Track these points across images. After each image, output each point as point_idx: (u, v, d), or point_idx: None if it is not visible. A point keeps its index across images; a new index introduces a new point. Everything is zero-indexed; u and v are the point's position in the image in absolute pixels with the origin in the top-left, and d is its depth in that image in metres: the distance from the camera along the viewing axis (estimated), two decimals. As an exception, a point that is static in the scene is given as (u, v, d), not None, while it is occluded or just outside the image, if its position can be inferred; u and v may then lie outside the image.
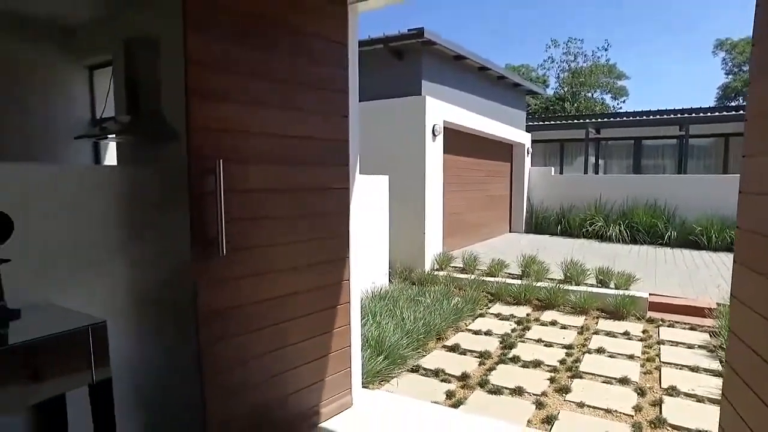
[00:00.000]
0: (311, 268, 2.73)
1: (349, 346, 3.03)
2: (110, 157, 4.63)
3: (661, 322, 5.26)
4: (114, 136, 3.59)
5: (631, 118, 15.57)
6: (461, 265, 7.49)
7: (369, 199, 6.11)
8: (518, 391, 3.59)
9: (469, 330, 5.02)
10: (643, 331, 4.96)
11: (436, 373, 3.91)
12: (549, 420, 3.18)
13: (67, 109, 4.49)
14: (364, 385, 3.38)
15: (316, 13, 2.66)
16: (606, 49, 30.36)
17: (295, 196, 2.61)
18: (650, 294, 5.79)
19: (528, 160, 12.59)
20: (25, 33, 4.26)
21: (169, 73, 3.56)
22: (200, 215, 2.17)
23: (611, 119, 16.37)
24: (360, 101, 3.12)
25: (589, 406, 3.36)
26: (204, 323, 2.21)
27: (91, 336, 1.59)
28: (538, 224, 12.20)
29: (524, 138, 12.24)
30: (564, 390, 3.61)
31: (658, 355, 4.30)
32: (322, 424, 2.83)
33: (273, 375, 2.57)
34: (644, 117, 15.26)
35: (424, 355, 4.27)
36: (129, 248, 2.21)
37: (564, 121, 16.19)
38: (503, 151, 11.65)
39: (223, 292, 2.29)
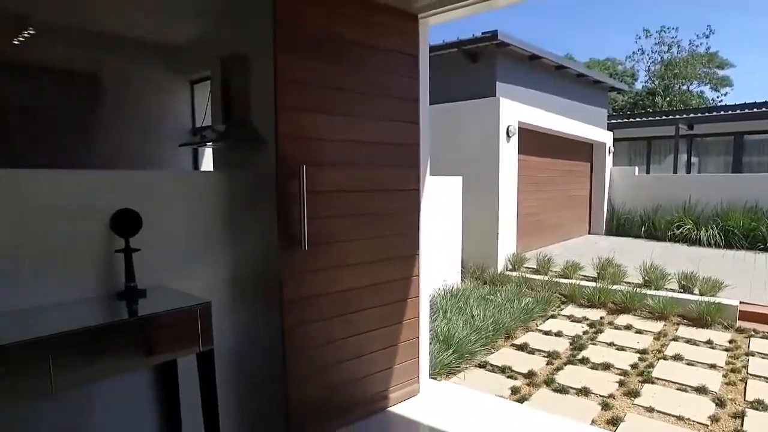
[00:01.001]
0: (382, 263, 2.97)
1: (418, 337, 3.24)
2: (206, 162, 5.18)
3: (753, 333, 4.94)
4: (211, 143, 4.04)
5: (730, 111, 14.33)
6: (534, 266, 7.45)
7: (441, 199, 6.28)
8: (584, 392, 3.62)
9: (539, 330, 5.05)
10: (730, 341, 4.71)
11: (503, 370, 4.01)
12: (614, 422, 3.20)
13: (174, 120, 5.09)
14: (432, 376, 3.57)
15: (389, 30, 2.89)
16: (707, 36, 27.43)
17: (369, 196, 2.86)
18: (741, 302, 5.46)
19: (609, 159, 12.10)
20: (140, 54, 4.89)
21: (259, 87, 3.96)
22: (286, 214, 2.48)
23: (707, 113, 15.20)
24: (434, 103, 3.32)
25: (659, 412, 3.32)
26: (287, 309, 2.52)
27: (199, 314, 1.92)
28: (619, 226, 11.69)
29: (605, 137, 11.79)
30: (633, 394, 3.58)
31: (745, 367, 4.08)
32: (391, 408, 3.06)
33: (345, 359, 2.84)
34: (747, 110, 13.93)
35: (492, 352, 4.38)
36: (227, 242, 2.56)
37: (651, 118, 15.30)
38: (582, 150, 11.31)
39: (304, 283, 2.59)
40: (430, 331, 3.61)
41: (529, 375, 3.90)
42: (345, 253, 2.77)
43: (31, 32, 4.17)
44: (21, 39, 4.28)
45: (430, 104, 3.30)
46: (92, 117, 5.04)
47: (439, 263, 6.10)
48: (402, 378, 3.16)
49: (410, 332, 3.18)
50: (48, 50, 4.90)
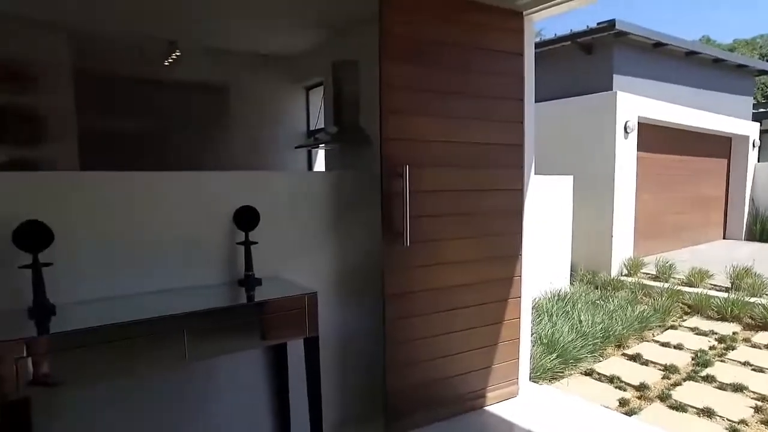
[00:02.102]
0: (483, 263, 2.99)
1: (518, 338, 3.20)
2: (319, 162, 5.52)
3: None
4: (324, 145, 4.32)
5: None
6: (654, 272, 6.89)
7: (550, 199, 6.06)
8: (707, 413, 3.31)
9: (656, 341, 4.69)
10: None
11: (611, 380, 3.81)
12: (742, 448, 2.90)
13: (290, 124, 5.50)
14: (532, 379, 3.50)
15: (493, 29, 2.89)
16: None
17: (471, 196, 2.90)
18: None
19: (753, 154, 10.70)
20: (263, 66, 5.35)
21: (367, 91, 4.15)
22: (389, 212, 2.61)
23: None
24: (545, 100, 3.26)
25: (800, 443, 2.95)
26: (388, 302, 2.65)
27: (307, 302, 2.12)
28: (764, 231, 10.32)
29: (749, 129, 10.45)
30: (770, 421, 3.20)
31: None
32: (488, 408, 3.07)
33: (444, 354, 2.90)
34: None
35: (600, 360, 4.17)
36: (334, 237, 2.76)
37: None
38: (718, 145, 10.15)
39: (405, 278, 2.70)
40: (532, 333, 3.54)
41: (641, 388, 3.66)
42: (446, 251, 2.84)
43: (178, 54, 4.77)
44: (170, 60, 4.92)
45: (538, 102, 3.24)
46: (222, 123, 5.63)
47: (545, 265, 5.90)
48: (500, 378, 3.15)
49: (510, 333, 3.16)
50: (190, 68, 5.56)
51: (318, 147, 4.54)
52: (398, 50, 2.60)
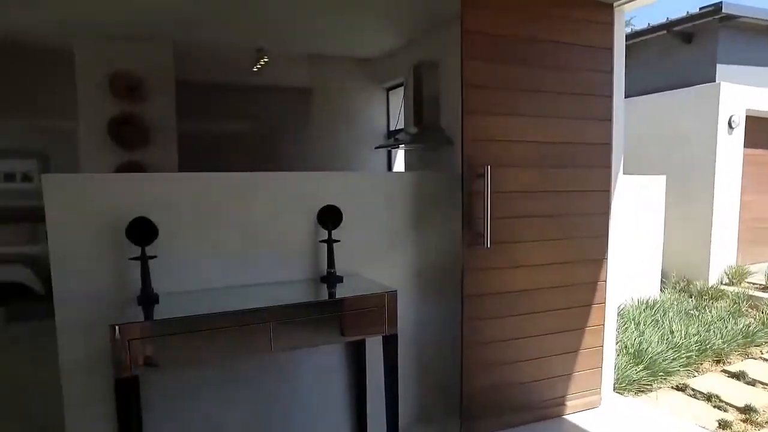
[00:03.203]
0: (565, 266, 2.89)
1: (602, 346, 3.06)
2: (398, 163, 5.58)
3: None
4: (403, 145, 4.36)
5: None
6: (762, 282, 6.27)
7: (640, 200, 5.71)
8: (825, 441, 2.98)
9: (765, 359, 4.27)
10: None
11: (708, 398, 3.52)
12: None
13: (371, 125, 5.61)
14: (616, 390, 3.33)
15: (580, 25, 2.79)
16: None
17: (554, 197, 2.81)
18: None
19: None
20: (344, 69, 5.51)
21: (448, 91, 4.14)
22: (470, 213, 2.60)
23: None
24: (635, 95, 3.09)
25: None
26: (467, 303, 2.64)
27: (387, 300, 2.17)
28: None
29: None
30: None
31: None
32: (567, 416, 2.96)
33: (522, 359, 2.84)
34: None
35: (695, 376, 3.87)
36: (414, 237, 2.79)
37: None
38: None
39: (484, 279, 2.68)
40: (617, 341, 3.37)
41: (746, 410, 3.35)
42: (526, 254, 2.78)
43: (266, 60, 5.03)
44: (258, 66, 5.20)
45: (628, 97, 3.08)
46: (306, 125, 5.86)
47: (633, 270, 5.57)
48: (581, 387, 3.03)
49: (593, 340, 3.03)
50: (277, 73, 5.84)
51: (398, 147, 4.60)
52: (480, 49, 2.58)
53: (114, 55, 4.55)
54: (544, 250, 2.83)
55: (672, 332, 4.28)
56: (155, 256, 2.06)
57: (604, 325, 3.05)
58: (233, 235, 2.35)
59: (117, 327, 1.75)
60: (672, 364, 3.75)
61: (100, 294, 2.11)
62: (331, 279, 2.37)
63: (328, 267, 2.38)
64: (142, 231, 2.03)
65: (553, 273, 2.86)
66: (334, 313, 2.12)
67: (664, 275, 6.24)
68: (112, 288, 2.13)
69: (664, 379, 3.68)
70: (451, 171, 2.89)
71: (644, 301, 5.32)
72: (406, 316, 2.72)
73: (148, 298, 2.02)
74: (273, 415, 2.52)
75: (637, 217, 5.65)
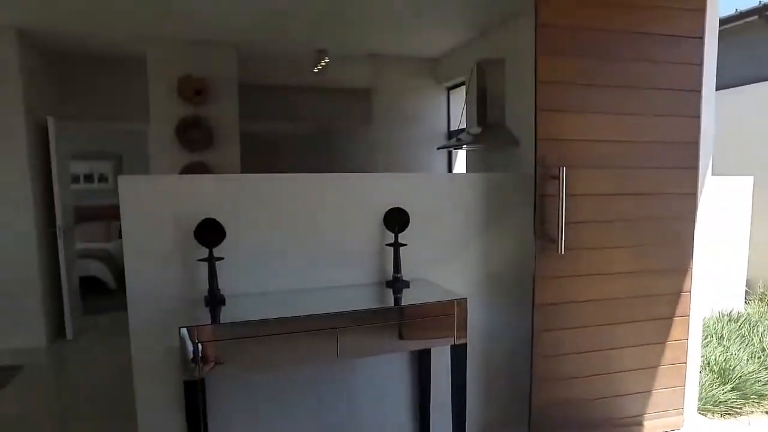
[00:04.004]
0: (645, 275, 2.67)
1: (685, 362, 2.82)
2: (458, 164, 5.45)
3: None
4: (466, 146, 4.24)
5: None
6: None
7: (722, 203, 5.28)
8: None
9: None
10: None
11: (810, 424, 3.17)
12: None
13: (432, 125, 5.51)
14: (701, 412, 3.06)
15: (667, 12, 2.56)
16: None
17: (634, 201, 2.61)
18: None
19: None
20: (405, 68, 5.43)
21: (515, 89, 3.98)
22: (543, 217, 2.45)
23: None
24: (726, 88, 2.82)
25: None
26: (538, 312, 2.49)
27: (456, 308, 2.06)
28: None
29: None
30: None
31: None
32: (648, 438, 2.74)
33: (594, 373, 2.65)
34: None
35: (793, 399, 3.50)
36: (482, 241, 2.67)
37: None
38: None
39: (557, 288, 2.52)
40: (700, 357, 3.10)
41: None
42: (603, 261, 2.59)
43: (326, 61, 5.04)
44: (319, 67, 5.22)
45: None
46: (366, 125, 5.83)
47: (714, 279, 5.15)
48: (661, 406, 2.80)
49: (675, 355, 2.79)
50: (337, 74, 5.87)
51: (460, 148, 4.47)
52: (556, 42, 2.42)
53: (182, 60, 4.71)
54: (623, 257, 2.63)
55: (764, 349, 3.90)
56: (222, 258, 2.06)
57: (687, 339, 2.80)
58: (298, 238, 2.32)
59: (186, 329, 1.74)
60: (766, 386, 3.41)
61: (169, 294, 2.13)
62: (398, 284, 2.30)
63: (394, 271, 2.31)
64: (210, 232, 2.03)
65: (633, 282, 2.66)
66: (402, 320, 2.04)
67: (749, 285, 5.74)
68: (180, 288, 2.15)
69: (757, 402, 3.35)
70: (517, 172, 2.75)
71: (727, 314, 4.91)
72: (472, 325, 2.59)
73: (215, 300, 2.02)
74: (334, 424, 2.47)
75: (720, 221, 5.23)
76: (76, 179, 7.71)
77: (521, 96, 3.75)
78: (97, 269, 6.68)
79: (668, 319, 2.76)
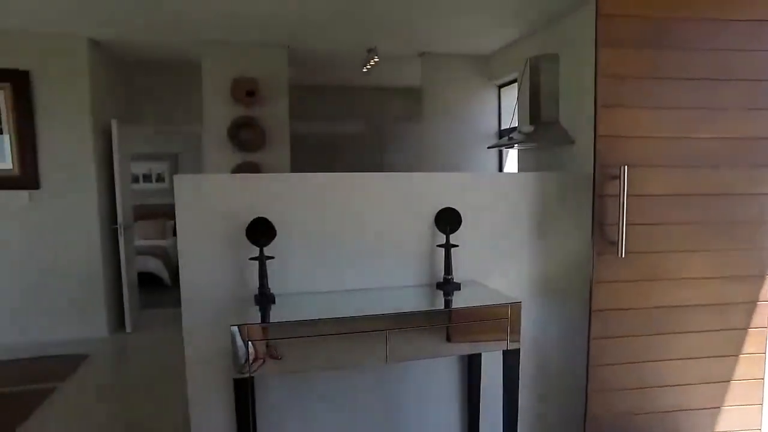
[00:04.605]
0: (717, 282, 2.48)
1: (762, 378, 2.60)
2: (509, 164, 5.31)
3: None
4: (517, 145, 4.11)
5: None
6: None
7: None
8: None
9: None
10: None
11: None
12: None
13: (482, 124, 5.40)
14: (780, 432, 2.82)
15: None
16: None
17: (705, 202, 2.43)
18: None
19: None
20: (457, 65, 5.35)
21: (571, 85, 3.83)
22: (602, 218, 2.32)
23: None
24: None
25: None
26: (595, 318, 2.36)
27: (509, 312, 1.98)
28: None
29: None
30: None
31: None
32: (717, 457, 2.55)
33: (658, 385, 2.49)
34: None
35: None
36: (535, 243, 2.56)
37: None
38: None
39: (617, 293, 2.38)
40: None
41: None
42: (669, 266, 2.42)
43: (376, 60, 5.03)
44: (368, 67, 5.22)
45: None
46: (416, 124, 5.79)
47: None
48: (734, 425, 2.59)
49: (752, 370, 2.58)
50: (387, 73, 5.86)
51: (511, 147, 4.35)
52: (619, 33, 2.28)
53: (235, 63, 4.83)
54: (692, 262, 2.45)
55: None
56: (272, 257, 2.07)
57: (766, 353, 2.59)
58: (347, 238, 2.30)
59: (237, 328, 1.75)
60: None
61: (221, 291, 2.16)
62: (448, 286, 2.23)
63: (445, 273, 2.24)
64: (261, 231, 2.04)
65: (702, 289, 2.47)
66: (453, 323, 1.98)
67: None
68: (231, 286, 2.17)
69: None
70: (574, 172, 2.62)
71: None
72: (525, 329, 2.50)
73: (265, 299, 2.03)
74: (383, 425, 2.44)
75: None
76: (135, 179, 8.09)
77: (577, 92, 3.60)
78: (154, 266, 6.96)
79: (742, 330, 2.56)
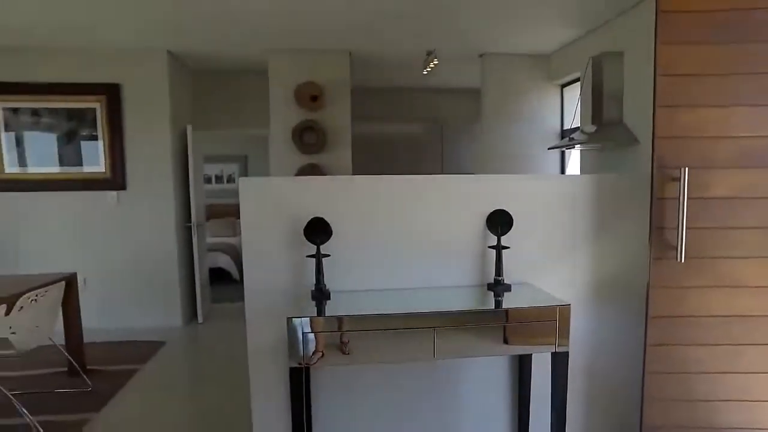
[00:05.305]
0: (790, 291, 2.34)
1: (842, 397, 2.41)
2: (572, 164, 5.17)
3: None
4: (579, 145, 4.02)
5: None
6: None
7: None
8: None
9: None
10: None
11: None
12: None
13: (543, 124, 5.31)
14: None
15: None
16: None
17: (772, 205, 2.30)
18: None
19: None
20: (518, 65, 5.29)
21: (635, 83, 3.71)
22: (660, 221, 2.25)
23: None
24: None
25: None
26: (652, 325, 2.29)
27: (558, 314, 1.98)
28: None
29: None
30: None
31: None
32: (788, 478, 2.40)
33: (716, 399, 2.37)
34: None
35: None
36: (590, 246, 2.53)
37: None
38: None
39: (675, 299, 2.30)
40: None
41: None
42: (732, 272, 2.31)
43: (436, 62, 5.08)
44: (428, 69, 5.28)
45: None
46: (475, 125, 5.77)
47: None
48: (807, 444, 2.43)
49: (829, 388, 2.40)
50: (446, 75, 5.89)
51: (572, 147, 4.25)
52: (680, 29, 2.21)
53: (299, 68, 5.05)
54: (757, 269, 2.32)
55: None
56: (329, 255, 2.19)
57: (843, 370, 2.40)
58: (400, 238, 2.38)
59: (293, 320, 1.88)
60: None
61: (280, 286, 2.31)
62: (499, 287, 2.26)
63: (495, 274, 2.27)
64: (318, 230, 2.17)
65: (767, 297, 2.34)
66: (501, 323, 2.01)
67: None
68: (290, 282, 2.32)
69: None
70: (636, 173, 2.55)
71: None
72: (577, 333, 2.48)
73: (321, 294, 2.15)
74: (432, 421, 2.50)
75: None
76: (207, 180, 8.62)
77: (642, 91, 3.48)
78: (224, 262, 7.40)
79: (818, 342, 2.39)
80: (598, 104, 3.84)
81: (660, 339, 2.31)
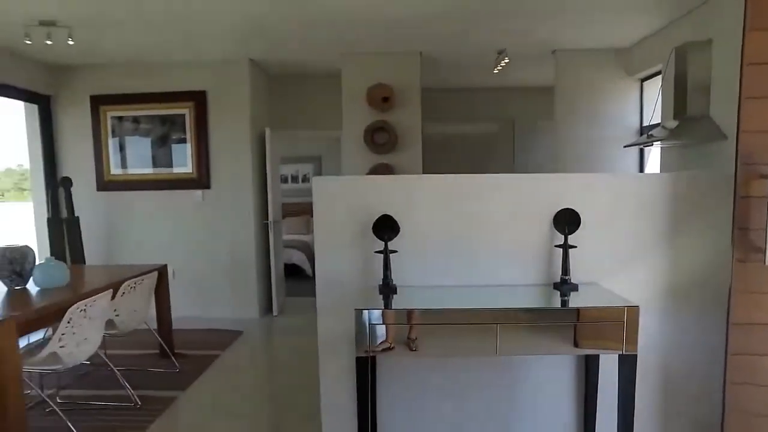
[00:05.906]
0: None
1: None
2: (652, 162, 4.92)
3: None
4: (659, 142, 3.82)
5: None
6: None
7: None
8: None
9: None
10: None
11: None
12: None
13: (620, 121, 5.09)
14: None
15: None
16: None
17: None
18: None
19: None
20: (594, 60, 5.11)
21: (722, 75, 3.48)
22: (744, 222, 2.12)
23: None
24: None
25: None
26: (734, 332, 2.16)
27: (626, 316, 1.93)
28: None
29: None
30: None
31: None
32: None
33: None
34: None
35: None
36: (664, 247, 2.42)
37: None
38: None
39: (761, 305, 2.15)
40: None
41: None
42: (830, 278, 2.13)
43: (506, 61, 5.02)
44: (499, 68, 5.23)
45: None
46: (550, 123, 5.64)
47: None
48: None
49: None
50: (518, 73, 5.80)
51: (650, 144, 4.05)
52: (770, 18, 2.07)
53: (371, 71, 5.18)
54: None
55: None
56: (396, 251, 2.27)
57: None
58: (468, 236, 2.41)
59: (361, 311, 1.98)
60: None
61: (349, 281, 2.42)
62: (565, 286, 2.23)
63: (562, 274, 2.25)
64: (386, 227, 2.25)
65: None
66: (566, 322, 1.99)
67: None
68: (359, 276, 2.42)
69: None
70: (719, 171, 2.41)
71: None
72: (651, 337, 2.39)
73: (387, 288, 2.23)
74: (492, 418, 2.51)
75: None
76: (284, 179, 9.02)
77: (732, 82, 3.25)
78: (298, 258, 7.72)
79: None
80: (681, 98, 3.64)
81: (743, 348, 2.17)
